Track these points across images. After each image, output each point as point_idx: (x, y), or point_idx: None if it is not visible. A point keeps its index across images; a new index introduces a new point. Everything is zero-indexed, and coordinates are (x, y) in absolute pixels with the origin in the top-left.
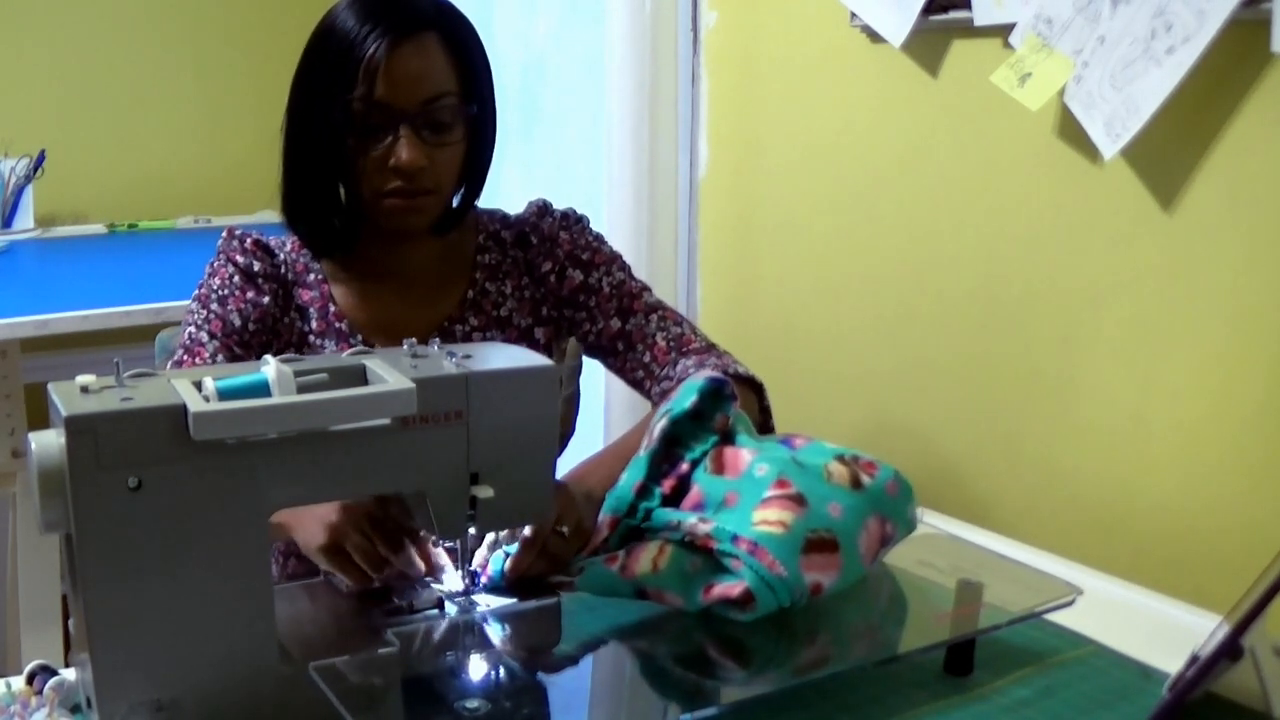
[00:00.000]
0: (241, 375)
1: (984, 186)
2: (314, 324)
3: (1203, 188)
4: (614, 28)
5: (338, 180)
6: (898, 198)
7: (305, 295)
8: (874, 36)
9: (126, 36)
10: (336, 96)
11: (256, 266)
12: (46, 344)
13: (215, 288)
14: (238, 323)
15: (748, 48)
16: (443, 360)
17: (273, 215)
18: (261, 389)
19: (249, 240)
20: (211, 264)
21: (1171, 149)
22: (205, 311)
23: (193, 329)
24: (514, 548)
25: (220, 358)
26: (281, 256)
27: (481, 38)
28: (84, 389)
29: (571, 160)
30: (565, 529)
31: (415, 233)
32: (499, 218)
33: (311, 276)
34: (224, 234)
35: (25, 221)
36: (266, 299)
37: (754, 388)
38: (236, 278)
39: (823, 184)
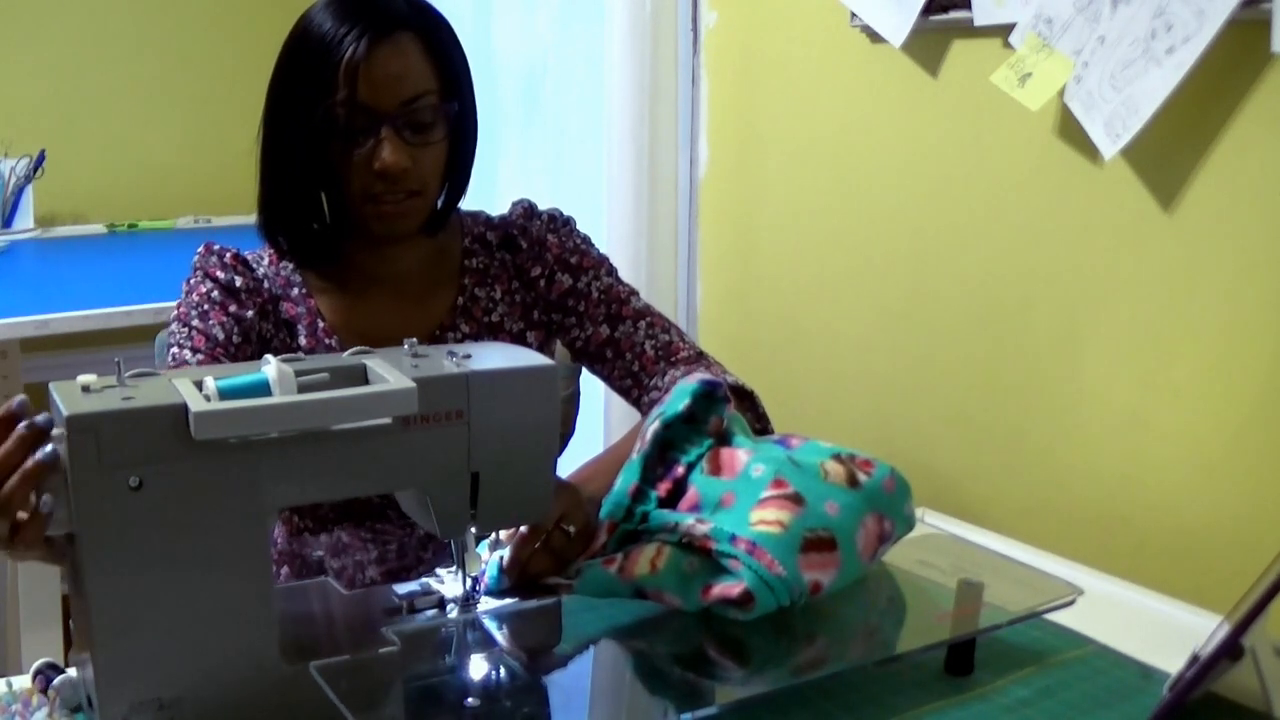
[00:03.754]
0: (242, 375)
1: (984, 186)
2: (303, 339)
3: (1203, 188)
4: (614, 28)
5: (319, 187)
6: (897, 198)
7: (291, 310)
8: (874, 36)
9: (126, 36)
10: (316, 101)
11: (238, 282)
12: (46, 344)
13: (194, 304)
14: (220, 336)
15: (748, 48)
16: (443, 360)
17: None
18: (262, 389)
19: (228, 255)
20: (188, 281)
21: (1171, 149)
22: (186, 330)
23: (175, 349)
24: (508, 550)
25: None
26: (261, 270)
27: (481, 38)
28: (85, 389)
29: (571, 160)
30: (571, 528)
31: (403, 236)
32: (483, 219)
33: (295, 291)
34: (200, 249)
35: (25, 221)
36: (250, 312)
37: (746, 396)
38: (215, 293)
39: (822, 184)
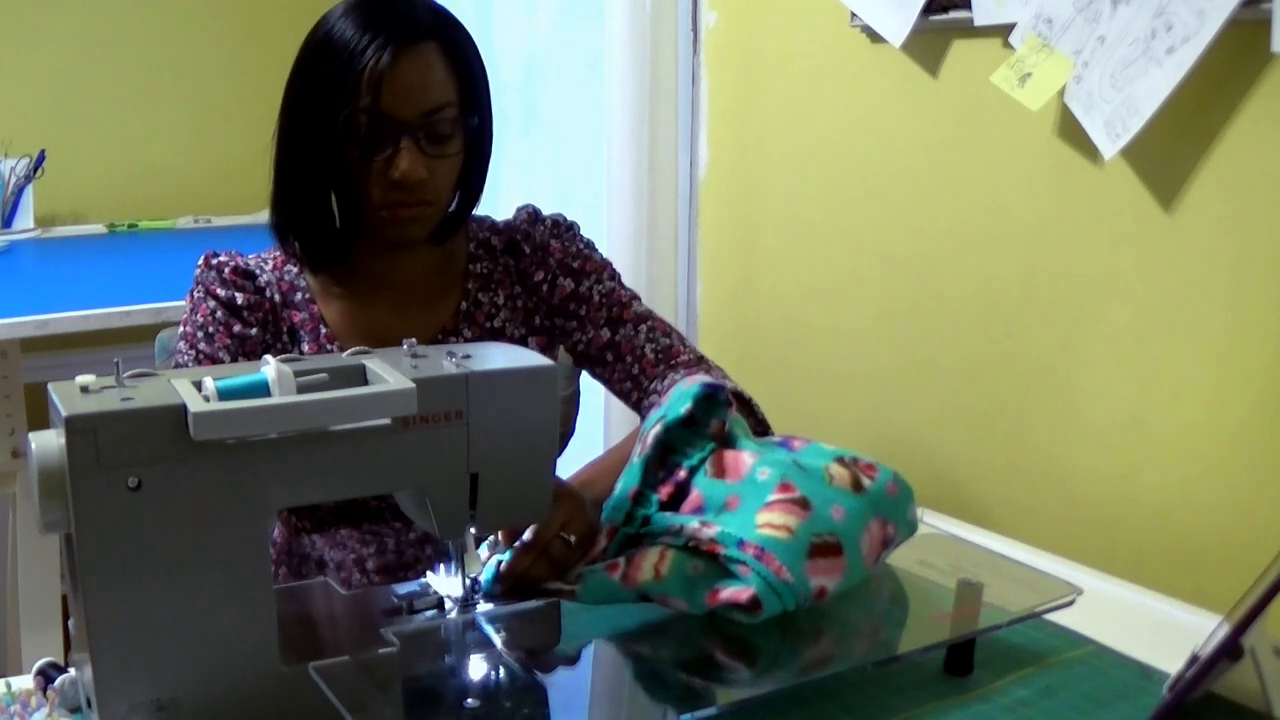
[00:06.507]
0: (241, 375)
1: (984, 187)
2: (305, 346)
3: (1203, 188)
4: (614, 27)
5: (332, 191)
6: (898, 198)
7: (295, 317)
8: (874, 36)
9: (126, 36)
10: (336, 108)
11: (239, 299)
12: (46, 344)
13: (199, 324)
14: (226, 360)
15: (748, 48)
16: (443, 360)
17: None
18: (261, 389)
19: (227, 269)
20: (192, 294)
21: (1171, 149)
22: (193, 352)
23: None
24: (507, 555)
25: None
26: (264, 279)
27: (481, 38)
28: (84, 389)
29: (571, 160)
30: (572, 537)
31: (412, 242)
32: (488, 225)
33: (298, 296)
34: (200, 263)
35: (25, 221)
36: (254, 330)
37: (744, 403)
38: (219, 313)
39: (822, 184)
